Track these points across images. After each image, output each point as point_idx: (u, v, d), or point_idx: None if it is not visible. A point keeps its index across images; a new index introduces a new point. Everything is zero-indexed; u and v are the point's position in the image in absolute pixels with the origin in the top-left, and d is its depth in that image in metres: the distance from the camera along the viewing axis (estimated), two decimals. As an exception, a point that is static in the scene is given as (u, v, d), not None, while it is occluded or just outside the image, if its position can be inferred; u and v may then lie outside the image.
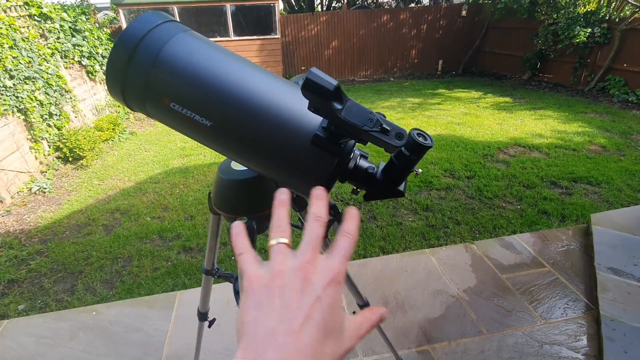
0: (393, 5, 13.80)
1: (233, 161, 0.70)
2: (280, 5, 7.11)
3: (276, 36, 7.29)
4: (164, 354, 1.70)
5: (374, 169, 0.51)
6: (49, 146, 4.09)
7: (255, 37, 7.20)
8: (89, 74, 5.26)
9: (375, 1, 13.05)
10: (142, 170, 4.10)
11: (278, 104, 0.46)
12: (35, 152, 3.85)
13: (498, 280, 2.06)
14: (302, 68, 9.13)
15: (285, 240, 0.32)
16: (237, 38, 7.00)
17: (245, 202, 0.66)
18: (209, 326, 1.21)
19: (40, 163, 3.96)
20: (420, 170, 0.51)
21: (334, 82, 0.37)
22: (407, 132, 0.45)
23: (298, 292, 0.28)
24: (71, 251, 2.67)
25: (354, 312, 1.18)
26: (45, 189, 3.56)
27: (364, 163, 0.52)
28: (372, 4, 13.06)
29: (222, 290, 2.00)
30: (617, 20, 6.40)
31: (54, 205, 3.40)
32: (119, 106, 5.88)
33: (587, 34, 6.58)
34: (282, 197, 0.35)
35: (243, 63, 0.50)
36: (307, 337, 0.26)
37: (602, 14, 6.77)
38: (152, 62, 0.46)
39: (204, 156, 4.45)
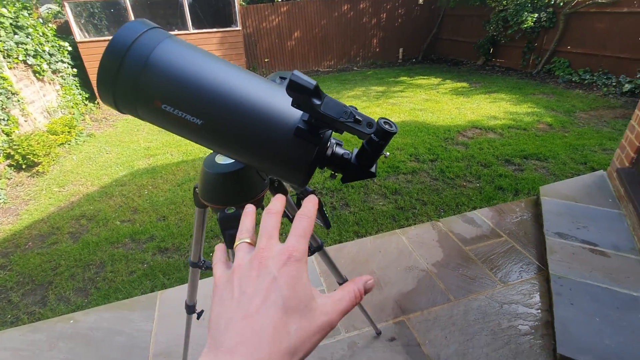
0: (352, -6, 13.86)
1: (217, 155, 0.75)
2: (238, -4, 6.95)
3: (237, 28, 7.14)
4: (151, 353, 1.72)
5: (349, 155, 0.59)
6: (-1, 154, 3.81)
7: (215, 29, 7.00)
8: (36, 74, 4.91)
9: (334, -10, 13.03)
10: (105, 173, 3.95)
11: (262, 101, 0.52)
12: (-16, 161, 3.58)
13: (462, 252, 2.24)
14: (266, 60, 9.03)
15: (247, 240, 0.34)
16: (196, 31, 6.78)
17: (231, 193, 0.72)
18: (197, 318, 1.26)
19: (-9, 172, 3.69)
20: (388, 153, 0.60)
21: (314, 82, 0.44)
22: (376, 121, 0.53)
23: (254, 278, 0.29)
24: (37, 262, 2.56)
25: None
26: (-1, 199, 3.34)
27: (339, 150, 0.59)
28: (331, -7, 13.03)
29: (208, 286, 2.02)
30: (561, 4, 6.89)
31: (11, 217, 3.21)
32: (73, 107, 5.55)
33: (534, 19, 7.03)
34: (248, 210, 0.38)
35: (226, 65, 0.55)
36: (264, 318, 0.26)
37: (547, -1, 7.25)
38: (142, 67, 0.50)
39: (170, 155, 4.35)
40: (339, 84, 7.89)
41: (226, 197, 0.72)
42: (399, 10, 9.66)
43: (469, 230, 2.44)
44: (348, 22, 9.37)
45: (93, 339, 1.80)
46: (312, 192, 0.93)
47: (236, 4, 6.81)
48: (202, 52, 0.55)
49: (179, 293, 2.06)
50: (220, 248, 0.37)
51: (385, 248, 2.33)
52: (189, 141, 3.54)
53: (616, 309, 1.73)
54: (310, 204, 0.34)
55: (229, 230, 0.70)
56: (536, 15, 7.00)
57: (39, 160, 3.90)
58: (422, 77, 8.08)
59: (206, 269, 1.04)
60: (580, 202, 2.53)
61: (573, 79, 6.55)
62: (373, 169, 0.59)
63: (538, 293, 1.93)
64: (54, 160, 4.18)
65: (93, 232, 2.87)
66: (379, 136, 0.53)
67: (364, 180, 0.58)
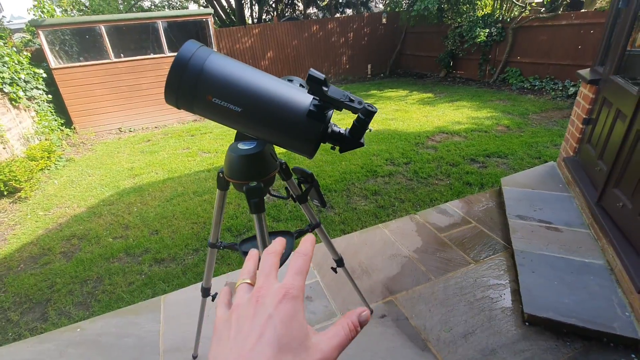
0: (320, 16, 14.56)
1: (239, 143, 0.95)
2: (212, 20, 7.22)
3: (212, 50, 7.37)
4: (161, 349, 1.83)
5: (344, 131, 0.82)
6: (-22, 182, 3.77)
7: (190, 52, 7.20)
8: (12, 102, 4.89)
9: (303, 13, 13.67)
10: (91, 194, 3.98)
11: (281, 93, 0.75)
12: (-37, 190, 3.54)
13: (438, 238, 2.51)
14: (241, 80, 9.27)
15: (248, 280, 0.35)
16: (171, 54, 6.95)
17: (252, 170, 0.92)
18: (212, 300, 1.42)
19: (-30, 201, 3.64)
20: (372, 128, 0.83)
21: (323, 76, 0.67)
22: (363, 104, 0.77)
23: (251, 317, 0.29)
24: (32, 282, 2.59)
25: (333, 268, 1.49)
26: (-18, 226, 3.31)
27: (336, 128, 0.82)
28: (301, 15, 13.65)
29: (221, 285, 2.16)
30: (508, 20, 7.64)
31: (-3, 242, 3.19)
32: (49, 132, 5.52)
33: (486, 33, 7.74)
34: (252, 254, 0.39)
35: (255, 70, 0.78)
36: (258, 356, 0.26)
37: (496, 15, 8.01)
38: (199, 73, 0.72)
39: (155, 173, 4.43)
40: (313, 99, 8.23)
41: (249, 174, 0.92)
42: (365, 30, 10.28)
43: (443, 220, 2.72)
44: (318, 42, 9.86)
45: (102, 344, 1.88)
46: (311, 175, 1.15)
47: (211, 27, 7.07)
48: (236, 62, 0.77)
49: (183, 295, 2.17)
50: (225, 291, 0.37)
51: (370, 241, 2.55)
52: (171, 159, 3.67)
53: (570, 273, 2.03)
54: (307, 243, 0.35)
55: (253, 199, 0.90)
56: (487, 30, 7.71)
57: (21, 186, 3.88)
58: (390, 90, 8.58)
59: (223, 249, 1.22)
60: (536, 189, 2.88)
61: (525, 86, 7.22)
62: (362, 141, 0.82)
63: (505, 267, 2.20)
64: (35, 185, 4.16)
65: (86, 250, 2.92)
66: (364, 114, 0.76)
67: (355, 149, 0.77)
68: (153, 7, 11.47)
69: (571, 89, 6.29)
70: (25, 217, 3.55)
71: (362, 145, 0.82)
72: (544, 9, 7.26)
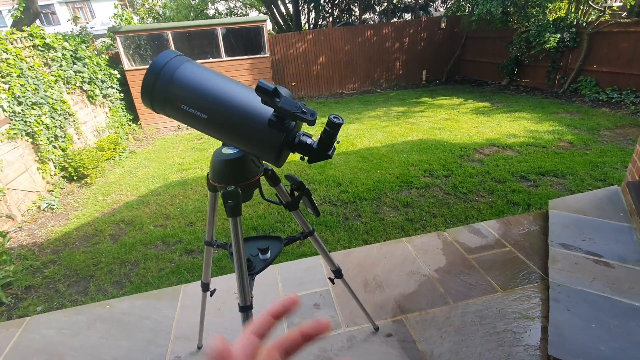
0: (376, 21, 14.43)
1: (224, 148, 0.98)
2: (268, 26, 7.54)
3: (266, 55, 7.70)
4: (172, 336, 1.94)
5: (313, 143, 0.80)
6: (55, 166, 4.35)
7: (245, 56, 7.60)
8: (90, 98, 5.58)
9: (359, 18, 13.66)
10: (143, 185, 4.37)
11: (245, 102, 0.76)
12: (43, 173, 4.11)
13: (465, 260, 2.33)
14: (292, 84, 9.55)
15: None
16: (228, 58, 7.39)
17: (234, 175, 0.95)
18: (211, 295, 1.47)
19: (47, 182, 4.22)
20: (340, 140, 0.80)
21: (272, 86, 0.67)
22: (328, 116, 0.75)
23: None
24: (82, 259, 2.91)
25: (330, 279, 1.46)
26: (53, 205, 3.81)
27: (306, 139, 0.80)
28: (356, 20, 13.66)
29: (220, 282, 2.25)
30: (584, 24, 6.88)
31: (62, 220, 3.65)
32: (118, 127, 6.19)
33: (557, 39, 7.05)
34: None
35: (225, 79, 0.80)
36: None
37: (570, 19, 7.26)
38: (170, 81, 0.75)
39: (201, 169, 4.74)
40: (361, 104, 8.18)
41: (228, 178, 0.94)
42: (422, 34, 9.96)
43: (474, 240, 2.52)
44: (371, 47, 9.77)
45: (125, 322, 2.05)
46: (301, 183, 1.15)
47: (265, 33, 7.38)
48: (208, 71, 0.80)
49: (199, 288, 2.28)
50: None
51: (391, 254, 2.45)
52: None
53: (614, 317, 1.76)
54: (312, 326, 0.33)
55: (229, 203, 0.92)
56: (559, 35, 7.01)
57: (88, 173, 4.40)
58: (444, 97, 8.20)
59: (216, 247, 1.26)
60: (590, 216, 2.54)
61: (600, 98, 6.42)
62: (330, 152, 0.80)
63: (538, 300, 1.97)
64: (100, 173, 4.69)
65: (130, 235, 3.21)
66: (330, 127, 0.74)
67: (323, 160, 0.75)
68: (217, 14, 12.31)
69: (658, 103, 5.46)
70: (87, 201, 4.02)
71: (329, 157, 0.80)
72: (625, 13, 6.41)
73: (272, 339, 0.32)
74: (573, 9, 7.62)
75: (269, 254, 1.17)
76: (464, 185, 3.58)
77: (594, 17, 7.07)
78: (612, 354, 1.57)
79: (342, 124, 0.75)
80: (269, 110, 0.74)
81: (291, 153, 0.82)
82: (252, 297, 1.05)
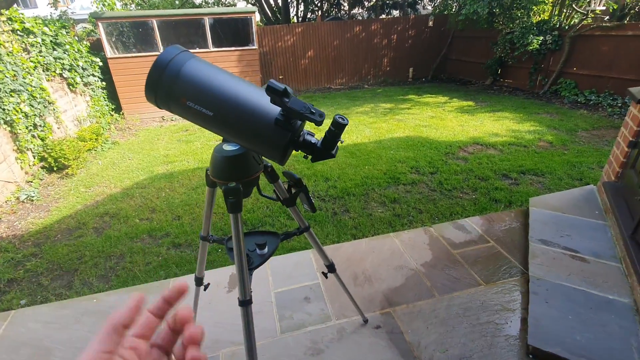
0: (365, 17, 14.43)
1: (224, 144, 0.99)
2: (257, 17, 7.43)
3: (254, 47, 7.60)
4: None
5: (317, 142, 0.82)
6: (34, 156, 4.20)
7: (233, 48, 7.47)
8: (70, 86, 5.38)
9: (348, 13, 13.62)
10: (127, 177, 4.28)
11: (252, 100, 0.77)
12: (21, 163, 3.96)
13: (450, 255, 2.41)
14: (280, 77, 9.47)
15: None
16: (215, 49, 7.25)
17: (235, 171, 0.95)
18: (204, 289, 1.48)
19: (26, 173, 4.07)
20: (343, 140, 0.82)
21: (283, 86, 0.68)
22: (334, 116, 0.77)
23: None
24: (65, 252, 2.84)
25: (323, 273, 1.49)
26: (33, 197, 3.69)
27: (310, 138, 0.82)
28: (345, 15, 13.62)
29: (209, 276, 2.25)
30: (566, 27, 7.09)
31: (43, 212, 3.54)
32: (100, 117, 6.01)
33: (540, 41, 7.25)
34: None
35: (230, 76, 0.80)
36: None
37: (553, 22, 7.47)
38: (175, 77, 0.75)
39: (187, 162, 4.67)
40: (349, 100, 8.21)
41: (229, 174, 0.95)
42: (410, 32, 10.04)
43: (458, 236, 2.61)
44: (360, 43, 9.78)
45: (113, 316, 2.03)
46: (299, 180, 1.17)
47: (254, 25, 7.27)
48: (214, 67, 0.80)
49: (189, 281, 2.27)
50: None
51: (379, 249, 2.51)
52: (203, 150, 3.86)
53: (589, 309, 1.86)
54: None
55: (230, 199, 0.93)
56: (542, 37, 7.21)
57: (69, 164, 4.27)
58: (430, 95, 8.32)
59: (212, 242, 1.27)
60: (567, 213, 2.66)
61: (579, 100, 6.67)
62: (333, 152, 0.82)
63: (518, 293, 2.07)
64: (82, 164, 4.55)
65: (115, 228, 3.15)
66: (335, 126, 0.76)
67: (326, 160, 0.79)
68: (203, 3, 12.03)
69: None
70: (69, 192, 3.91)
71: (332, 156, 0.82)
72: (608, 17, 6.65)
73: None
74: (557, 12, 7.84)
75: (266, 249, 1.19)
76: (449, 182, 3.68)
77: (576, 21, 7.30)
78: (586, 343, 1.67)
79: (347, 124, 0.77)
80: (275, 109, 0.76)
81: (294, 151, 0.84)
82: (251, 292, 1.07)
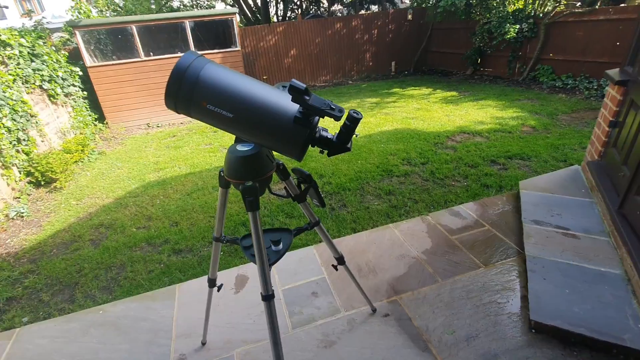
0: (345, 13, 14.48)
1: (238, 145, 1.01)
2: (237, 18, 7.38)
3: (237, 49, 7.55)
4: (174, 335, 1.94)
5: (332, 136, 0.86)
6: (20, 172, 4.09)
7: (215, 50, 7.41)
8: (51, 97, 5.25)
9: (328, 10, 13.65)
10: (119, 186, 4.22)
11: (270, 100, 0.80)
12: (7, 179, 3.86)
13: (449, 241, 2.48)
14: (264, 77, 9.44)
15: None
16: (199, 53, 7.16)
17: (251, 170, 0.98)
18: (218, 290, 1.50)
19: (13, 189, 3.96)
20: (358, 134, 0.86)
21: (304, 85, 0.72)
22: (347, 110, 0.80)
23: None
24: (62, 266, 2.80)
25: (334, 265, 1.54)
26: (23, 213, 3.60)
27: (325, 133, 0.86)
28: (325, 12, 13.64)
29: (221, 278, 2.26)
30: (540, 15, 7.30)
31: (34, 228, 3.46)
32: (84, 127, 5.88)
33: (517, 29, 7.44)
34: None
35: (246, 78, 0.83)
36: None
37: (528, 10, 7.68)
38: (195, 82, 0.78)
39: (179, 168, 4.63)
40: (334, 97, 8.25)
41: (245, 174, 0.98)
42: (390, 26, 10.14)
43: (455, 222, 2.69)
44: (342, 39, 9.83)
45: (122, 325, 2.03)
46: (309, 176, 1.20)
47: (235, 26, 7.23)
48: (230, 70, 0.83)
49: (196, 285, 2.29)
50: None
51: (379, 240, 2.57)
52: (193, 155, 3.85)
53: (584, 282, 1.96)
54: None
55: (248, 198, 0.96)
56: (518, 26, 7.41)
57: (57, 177, 4.17)
58: (413, 87, 8.45)
59: (226, 243, 1.29)
60: (556, 194, 2.78)
61: (557, 85, 6.89)
62: (349, 145, 0.86)
63: (516, 273, 2.16)
64: (70, 177, 4.46)
65: (112, 239, 3.11)
66: (350, 121, 0.80)
67: (342, 154, 0.83)
68: (182, 6, 11.85)
69: (607, 88, 5.94)
70: (60, 206, 3.83)
71: (348, 149, 0.86)
72: (579, 3, 6.88)
73: None
74: (531, 0, 8.06)
75: (281, 245, 1.22)
76: (440, 171, 3.77)
77: (550, 8, 7.52)
78: (584, 314, 1.76)
79: (362, 118, 0.81)
80: (293, 108, 0.79)
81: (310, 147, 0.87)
82: (272, 287, 1.10)
